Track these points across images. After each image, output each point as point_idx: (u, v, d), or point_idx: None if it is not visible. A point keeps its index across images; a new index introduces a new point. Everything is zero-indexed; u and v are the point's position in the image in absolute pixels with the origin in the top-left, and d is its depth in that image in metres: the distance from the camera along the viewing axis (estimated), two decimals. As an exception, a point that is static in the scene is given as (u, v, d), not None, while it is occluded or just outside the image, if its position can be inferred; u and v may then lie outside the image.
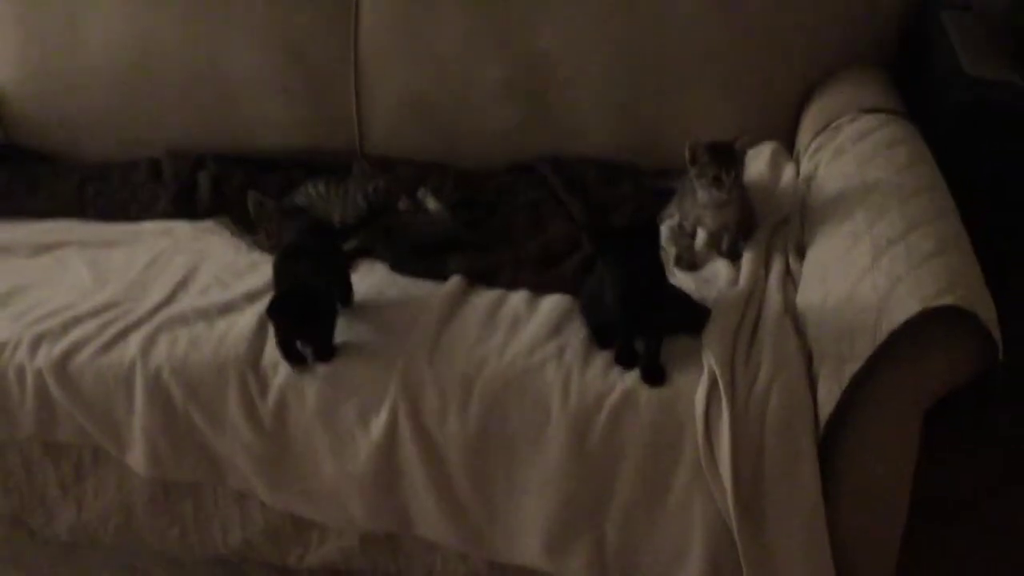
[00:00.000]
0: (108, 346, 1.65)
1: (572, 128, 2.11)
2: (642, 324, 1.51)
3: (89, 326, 1.69)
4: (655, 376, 1.49)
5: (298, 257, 1.64)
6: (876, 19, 2.05)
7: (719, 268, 1.73)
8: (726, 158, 1.70)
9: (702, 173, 1.71)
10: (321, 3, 2.14)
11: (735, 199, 1.73)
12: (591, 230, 1.65)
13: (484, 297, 1.69)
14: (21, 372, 1.66)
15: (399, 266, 1.79)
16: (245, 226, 1.93)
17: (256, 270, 1.82)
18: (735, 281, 1.67)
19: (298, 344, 1.58)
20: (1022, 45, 1.97)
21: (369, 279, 1.75)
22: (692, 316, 1.57)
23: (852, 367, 1.35)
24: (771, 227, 1.79)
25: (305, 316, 1.56)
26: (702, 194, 1.73)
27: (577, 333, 1.58)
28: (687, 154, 1.71)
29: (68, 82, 2.26)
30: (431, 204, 1.96)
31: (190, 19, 2.17)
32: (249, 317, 1.67)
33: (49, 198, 2.13)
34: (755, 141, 1.93)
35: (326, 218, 1.94)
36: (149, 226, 2.02)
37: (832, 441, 1.41)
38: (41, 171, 2.24)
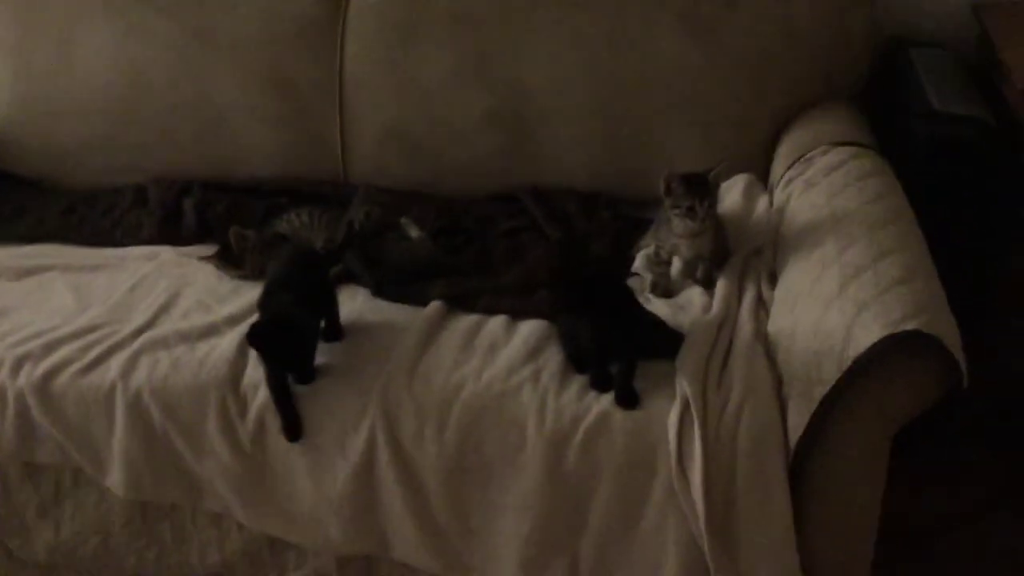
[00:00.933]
0: (89, 368, 1.66)
1: (553, 158, 2.13)
2: (617, 354, 1.54)
3: (71, 348, 1.70)
4: (629, 399, 1.51)
5: (285, 286, 1.65)
6: (848, 56, 2.09)
7: (693, 295, 1.76)
8: (700, 189, 1.72)
9: (676, 204, 1.73)
10: (306, 33, 2.17)
11: (709, 229, 1.76)
12: (561, 280, 1.65)
13: (463, 322, 1.71)
14: (2, 393, 1.67)
15: (381, 292, 1.81)
16: (231, 261, 1.94)
17: (238, 294, 1.83)
18: (709, 308, 1.69)
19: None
20: (990, 82, 2.02)
21: (351, 304, 1.77)
22: (666, 341, 1.59)
23: (820, 390, 1.38)
24: (745, 256, 1.82)
25: (285, 344, 1.56)
26: (677, 224, 1.76)
27: (554, 357, 1.60)
28: (662, 185, 1.74)
29: (57, 110, 2.27)
30: (413, 231, 1.98)
31: (177, 49, 2.19)
32: (230, 340, 1.68)
33: (36, 223, 2.14)
34: (729, 173, 1.96)
35: (309, 246, 1.95)
36: (134, 251, 2.03)
37: (802, 464, 1.43)
38: (28, 197, 2.25)
